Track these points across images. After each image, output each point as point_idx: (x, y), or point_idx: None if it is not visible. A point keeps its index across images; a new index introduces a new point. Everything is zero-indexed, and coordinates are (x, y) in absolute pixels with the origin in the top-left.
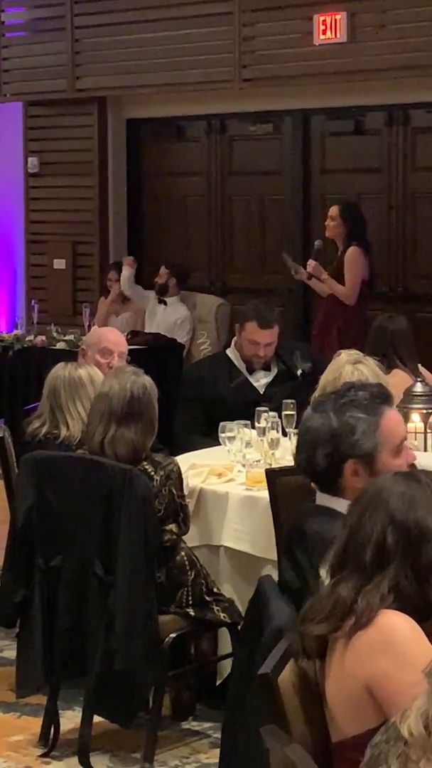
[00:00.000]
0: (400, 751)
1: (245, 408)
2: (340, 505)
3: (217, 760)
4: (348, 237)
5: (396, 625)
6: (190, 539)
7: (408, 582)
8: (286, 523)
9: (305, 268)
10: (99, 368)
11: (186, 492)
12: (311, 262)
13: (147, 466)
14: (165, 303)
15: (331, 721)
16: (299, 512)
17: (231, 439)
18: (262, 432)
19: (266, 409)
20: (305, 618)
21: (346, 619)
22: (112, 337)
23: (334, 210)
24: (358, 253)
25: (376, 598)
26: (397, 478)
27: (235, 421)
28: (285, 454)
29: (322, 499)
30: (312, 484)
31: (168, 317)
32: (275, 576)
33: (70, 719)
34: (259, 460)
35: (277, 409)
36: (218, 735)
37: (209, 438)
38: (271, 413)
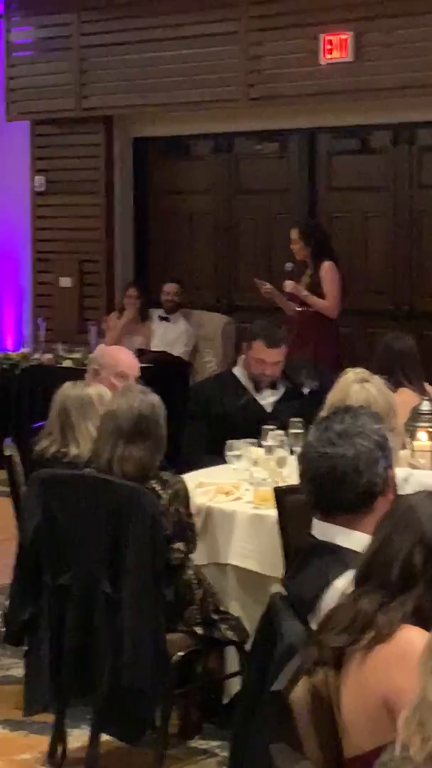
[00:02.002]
0: None
1: (252, 426)
2: (349, 539)
3: None
4: (315, 255)
5: (415, 640)
6: (198, 557)
7: (430, 605)
8: (293, 542)
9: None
10: (113, 390)
11: (193, 510)
12: (288, 283)
13: (155, 485)
14: (168, 320)
15: (345, 735)
16: (304, 557)
17: (238, 457)
18: (269, 450)
19: (273, 427)
20: (324, 627)
21: (365, 633)
22: (128, 360)
23: (293, 233)
24: (332, 268)
25: (398, 614)
26: (431, 498)
27: (242, 440)
28: (292, 473)
29: (331, 531)
30: (321, 515)
31: (169, 333)
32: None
33: (77, 737)
34: (266, 479)
35: (284, 427)
36: (225, 753)
37: (216, 456)
38: (278, 431)
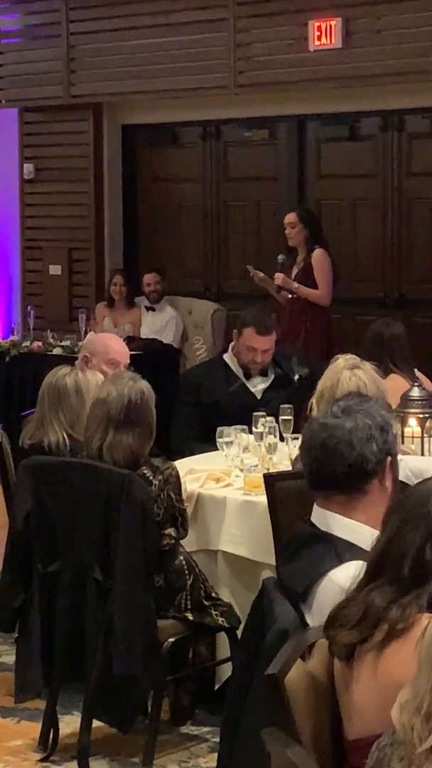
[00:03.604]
0: (403, 754)
1: (242, 413)
2: (343, 528)
3: (215, 765)
4: (309, 241)
5: None
6: (189, 544)
7: None
8: (284, 528)
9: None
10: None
11: (184, 497)
12: (279, 275)
13: (145, 471)
14: (154, 309)
15: (354, 717)
16: (297, 543)
17: (229, 444)
18: (260, 437)
19: (263, 414)
20: (334, 622)
21: (377, 628)
22: (118, 348)
23: (291, 217)
24: (325, 255)
25: (414, 609)
26: None
27: (233, 426)
28: (282, 459)
29: (327, 519)
30: (318, 498)
31: (156, 321)
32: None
33: (69, 724)
34: (256, 465)
35: (275, 414)
36: (217, 739)
37: (207, 443)
38: (269, 418)
